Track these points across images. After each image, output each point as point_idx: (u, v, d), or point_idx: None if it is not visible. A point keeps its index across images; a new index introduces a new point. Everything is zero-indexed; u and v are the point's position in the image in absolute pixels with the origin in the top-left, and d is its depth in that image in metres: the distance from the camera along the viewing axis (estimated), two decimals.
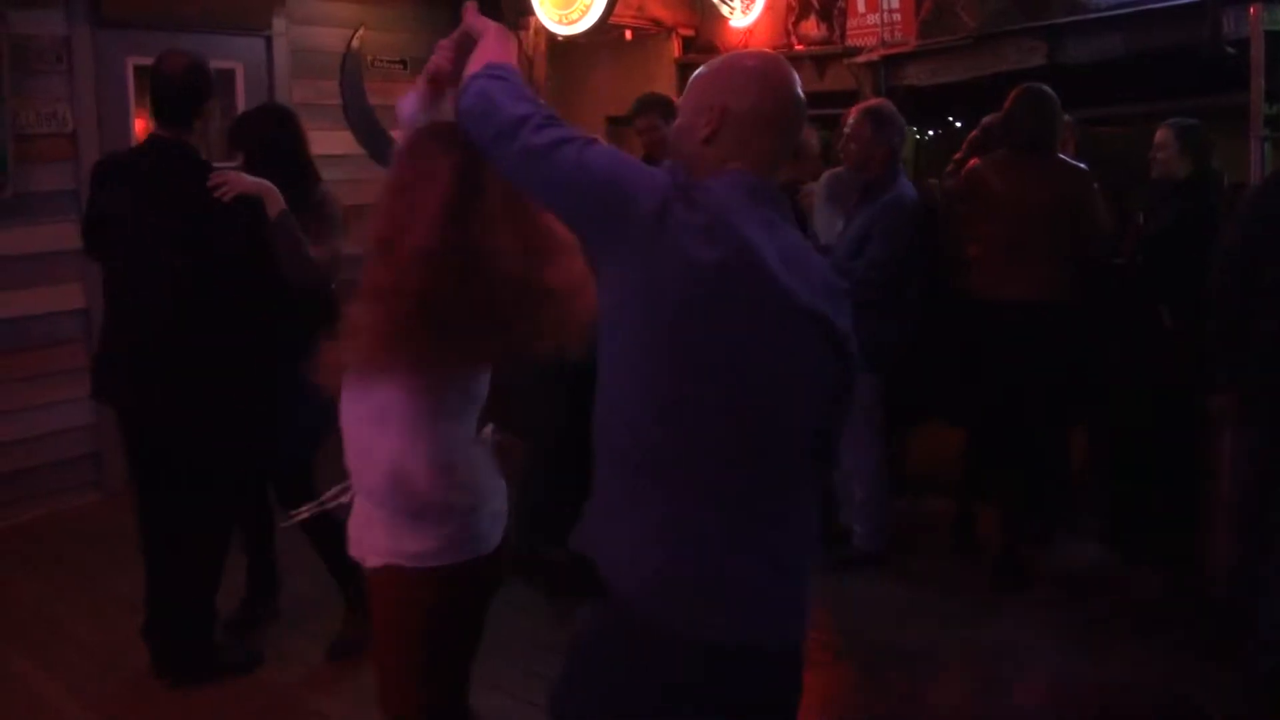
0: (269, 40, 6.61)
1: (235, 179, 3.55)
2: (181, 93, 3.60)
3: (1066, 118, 4.96)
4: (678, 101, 2.16)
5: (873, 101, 4.75)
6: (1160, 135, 4.75)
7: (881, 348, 4.49)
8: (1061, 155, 4.74)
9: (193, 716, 3.72)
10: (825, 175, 5.29)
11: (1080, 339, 4.78)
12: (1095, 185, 4.74)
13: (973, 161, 4.90)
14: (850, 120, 4.71)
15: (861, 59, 6.59)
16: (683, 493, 1.86)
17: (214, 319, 3.55)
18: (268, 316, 3.63)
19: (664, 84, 7.50)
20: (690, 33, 7.89)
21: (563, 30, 6.95)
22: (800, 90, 1.98)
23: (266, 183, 3.60)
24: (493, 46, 2.11)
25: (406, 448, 2.26)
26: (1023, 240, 4.63)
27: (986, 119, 5.03)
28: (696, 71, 2.04)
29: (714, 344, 1.82)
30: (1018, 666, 4.03)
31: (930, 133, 7.21)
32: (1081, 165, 4.72)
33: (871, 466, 4.85)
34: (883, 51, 6.49)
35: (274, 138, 3.99)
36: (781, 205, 1.95)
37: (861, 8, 6.85)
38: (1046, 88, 4.67)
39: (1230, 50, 4.78)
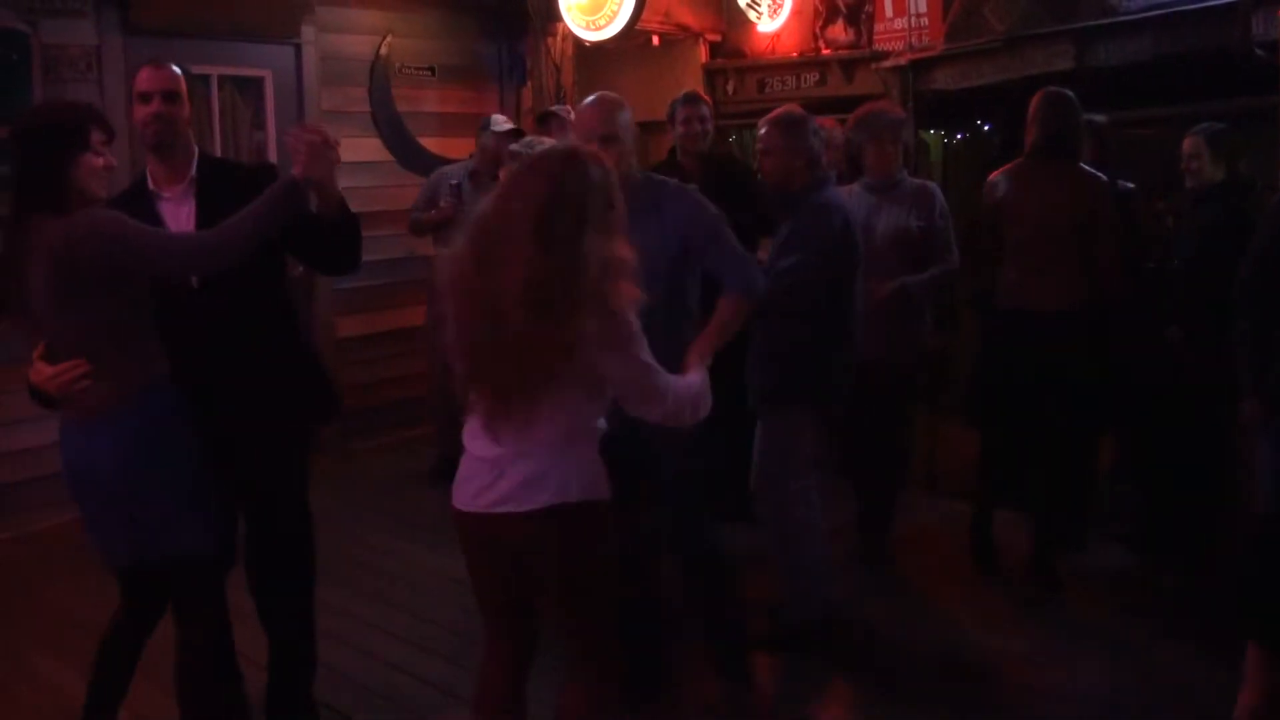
0: (298, 48, 6.66)
1: None
2: None
3: (1100, 118, 4.93)
4: None
5: (780, 110, 4.25)
6: (1190, 144, 4.69)
7: (804, 375, 4.08)
8: (1082, 165, 4.59)
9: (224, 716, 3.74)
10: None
11: (1094, 346, 4.66)
12: (1112, 197, 4.62)
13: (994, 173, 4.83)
14: (760, 133, 4.22)
15: (889, 63, 6.58)
16: None
17: None
18: None
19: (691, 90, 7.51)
20: (717, 38, 7.90)
21: (590, 36, 6.96)
22: None
23: None
24: None
25: None
26: (1036, 249, 4.55)
27: None
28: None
29: None
30: (1046, 672, 4.00)
31: (958, 136, 7.17)
32: (1101, 176, 4.59)
33: (793, 521, 4.12)
34: (910, 56, 6.47)
35: None
36: None
37: (889, 12, 6.84)
38: (1066, 91, 4.58)
39: (1260, 52, 4.74)
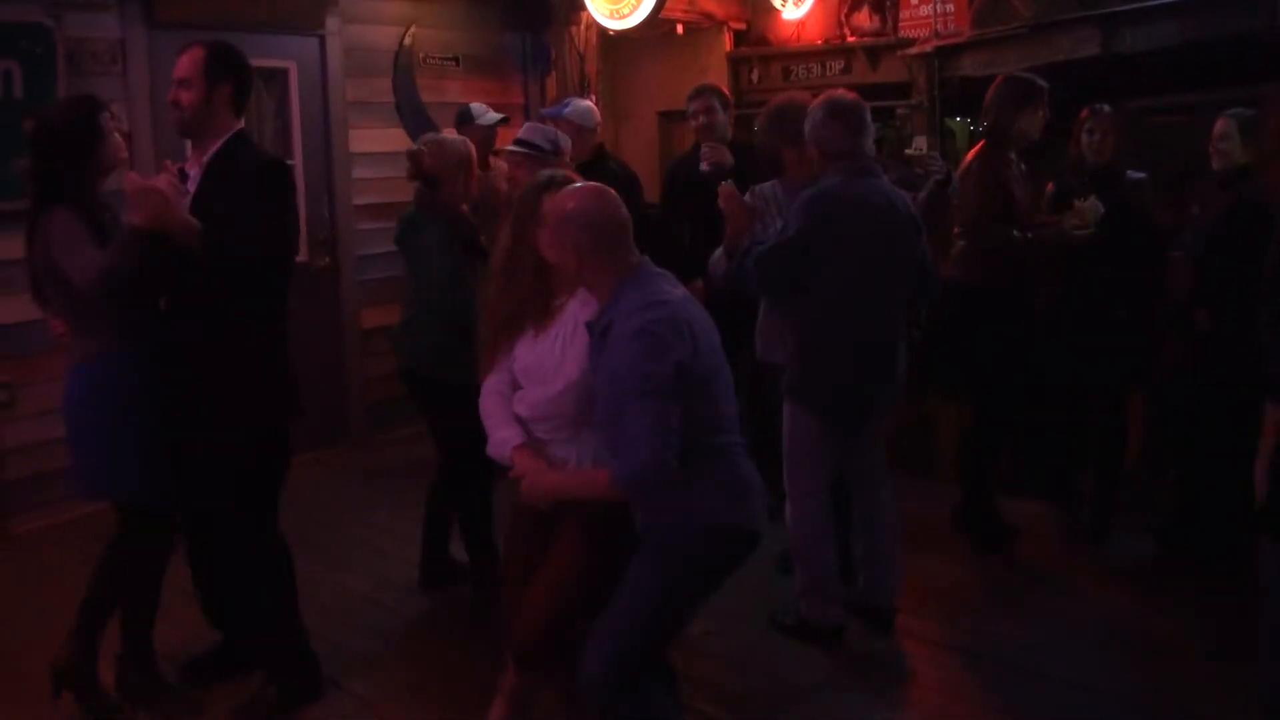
0: (322, 39, 6.67)
1: None
2: None
3: (1105, 108, 4.88)
4: None
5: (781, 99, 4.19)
6: (1222, 127, 4.63)
7: (793, 371, 4.02)
8: (987, 147, 4.80)
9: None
10: None
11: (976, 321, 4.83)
12: (969, 179, 4.80)
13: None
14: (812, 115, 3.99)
15: (915, 50, 6.55)
16: None
17: None
18: None
19: (715, 78, 7.48)
20: (742, 26, 7.88)
21: (614, 24, 6.96)
22: None
23: None
24: None
25: None
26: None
27: None
28: None
29: None
30: (1055, 663, 3.96)
31: (984, 124, 7.11)
32: (974, 159, 4.81)
33: (798, 509, 4.05)
34: (936, 42, 6.44)
35: None
36: None
37: None
38: (1014, 76, 4.82)
39: None
